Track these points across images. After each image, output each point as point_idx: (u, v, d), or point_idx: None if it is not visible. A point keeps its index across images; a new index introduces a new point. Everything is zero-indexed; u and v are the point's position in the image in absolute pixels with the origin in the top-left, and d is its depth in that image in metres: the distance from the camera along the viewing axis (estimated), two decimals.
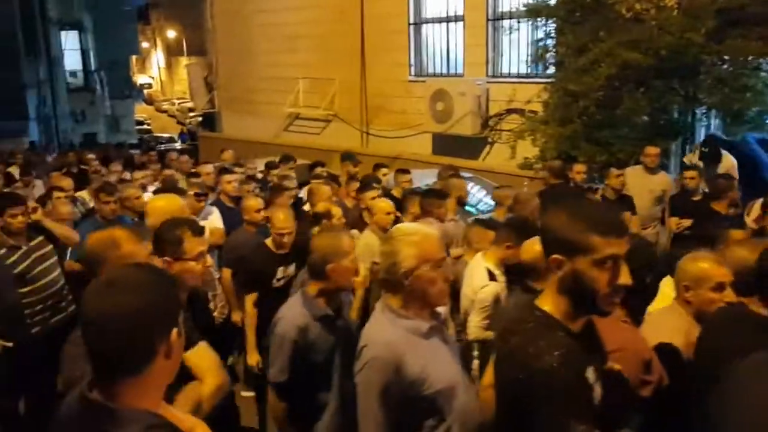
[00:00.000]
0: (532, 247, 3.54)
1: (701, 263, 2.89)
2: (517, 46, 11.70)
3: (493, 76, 12.17)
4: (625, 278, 1.84)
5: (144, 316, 1.52)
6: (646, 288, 3.17)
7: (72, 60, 33.39)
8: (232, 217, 6.03)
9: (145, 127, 39.68)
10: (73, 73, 34.00)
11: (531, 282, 3.58)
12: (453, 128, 11.94)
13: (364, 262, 4.06)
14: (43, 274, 4.90)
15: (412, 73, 13.72)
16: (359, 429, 2.42)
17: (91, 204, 6.95)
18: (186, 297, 2.76)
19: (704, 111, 9.32)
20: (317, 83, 15.36)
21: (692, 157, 8.20)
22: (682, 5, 8.74)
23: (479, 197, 8.32)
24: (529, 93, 11.01)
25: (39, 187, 9.00)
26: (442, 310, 2.66)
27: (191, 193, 6.15)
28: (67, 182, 7.25)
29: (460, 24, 12.70)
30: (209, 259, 2.98)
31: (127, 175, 9.59)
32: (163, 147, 26.18)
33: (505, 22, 11.71)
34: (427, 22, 13.49)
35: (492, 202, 7.82)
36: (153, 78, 63.01)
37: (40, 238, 5.01)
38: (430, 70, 13.62)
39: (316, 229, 4.54)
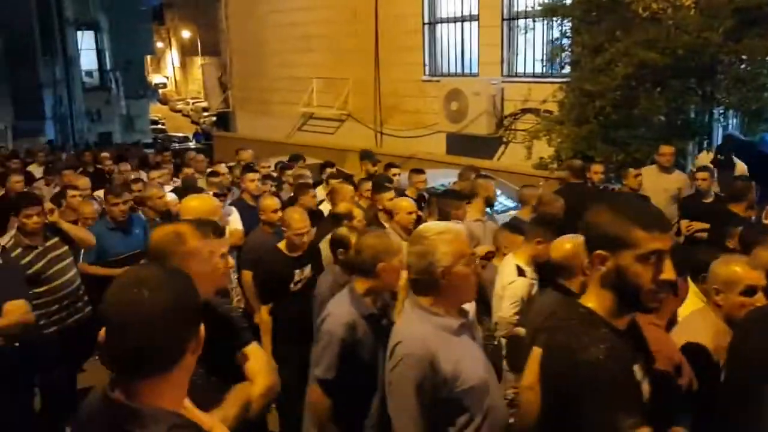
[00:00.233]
0: (562, 246, 3.54)
1: (733, 266, 2.86)
2: (533, 46, 11.64)
3: (508, 76, 12.12)
4: (669, 274, 1.81)
5: (177, 313, 1.53)
6: None
7: (88, 60, 33.59)
8: (254, 216, 5.99)
9: (160, 126, 39.88)
10: (89, 73, 34.22)
11: (562, 280, 3.55)
12: (467, 128, 11.92)
13: None
14: (58, 274, 4.93)
15: (427, 72, 13.69)
16: (393, 427, 2.41)
17: None
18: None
19: (722, 111, 9.23)
20: (331, 83, 15.38)
21: (705, 158, 8.15)
22: (699, 4, 8.67)
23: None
24: (545, 93, 10.96)
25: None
26: (470, 310, 2.66)
27: (210, 193, 6.18)
28: (83, 181, 7.28)
29: (475, 23, 12.66)
30: (230, 260, 2.98)
31: (142, 175, 9.66)
32: (177, 146, 26.34)
33: (521, 22, 11.64)
34: (441, 21, 13.45)
35: (508, 203, 7.80)
36: (168, 78, 63.38)
37: (56, 238, 5.04)
38: (445, 70, 13.58)
39: (344, 229, 4.44)
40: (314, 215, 5.50)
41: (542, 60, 11.42)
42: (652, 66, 8.41)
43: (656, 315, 2.51)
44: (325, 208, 6.28)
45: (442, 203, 5.36)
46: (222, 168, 8.20)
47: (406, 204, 5.28)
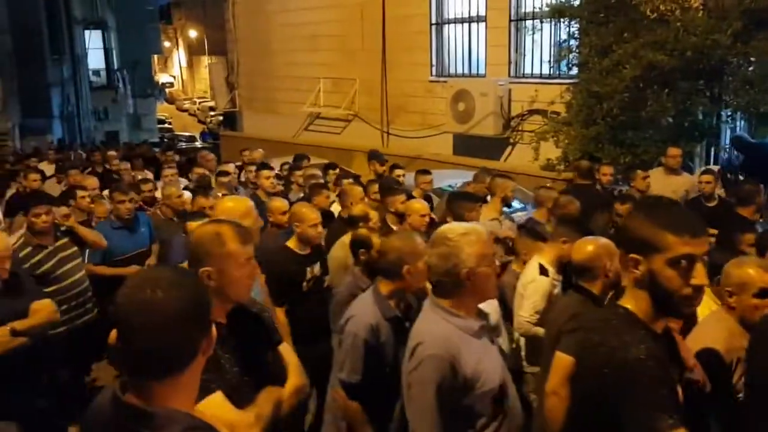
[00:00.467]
0: (584, 247, 3.50)
1: (746, 269, 2.85)
2: (540, 47, 11.63)
3: (516, 77, 12.09)
4: (700, 279, 1.82)
5: (190, 314, 1.53)
6: None
7: (95, 59, 33.62)
8: None
9: (167, 125, 39.96)
10: (97, 72, 34.23)
11: (583, 282, 3.51)
12: (474, 129, 11.90)
13: None
14: (68, 274, 4.95)
15: (434, 73, 13.67)
16: (411, 429, 2.38)
17: None
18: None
19: (730, 113, 9.20)
20: (338, 83, 15.38)
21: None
22: (707, 6, 8.65)
23: None
24: (552, 94, 10.93)
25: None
26: (493, 316, 2.66)
27: (219, 193, 6.19)
28: (91, 181, 7.30)
29: (482, 24, 12.64)
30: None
31: (148, 175, 9.68)
32: (184, 145, 26.39)
33: (528, 23, 11.62)
34: (448, 22, 13.43)
35: (514, 204, 7.76)
36: (174, 77, 63.50)
37: (66, 239, 5.06)
38: (452, 71, 13.56)
39: (364, 230, 4.40)
40: (326, 216, 5.42)
41: (549, 61, 11.40)
42: (660, 67, 8.39)
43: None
44: (334, 209, 6.24)
45: (455, 205, 5.24)
46: (230, 167, 8.21)
47: (419, 206, 5.18)
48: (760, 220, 5.79)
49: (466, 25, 13.08)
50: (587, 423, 1.94)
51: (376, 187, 6.62)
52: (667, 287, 1.82)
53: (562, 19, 10.31)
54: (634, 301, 1.92)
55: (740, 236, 4.55)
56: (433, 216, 5.40)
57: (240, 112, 19.64)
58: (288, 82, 16.95)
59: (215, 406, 2.05)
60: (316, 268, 4.67)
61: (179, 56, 61.79)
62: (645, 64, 8.41)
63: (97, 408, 1.64)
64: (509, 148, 12.13)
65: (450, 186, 8.67)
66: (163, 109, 48.58)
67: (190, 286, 1.58)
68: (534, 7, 11.58)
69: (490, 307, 3.20)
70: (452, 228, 2.50)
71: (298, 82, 16.37)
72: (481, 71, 12.82)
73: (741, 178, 7.96)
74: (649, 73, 8.57)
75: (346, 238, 4.86)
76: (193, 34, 55.33)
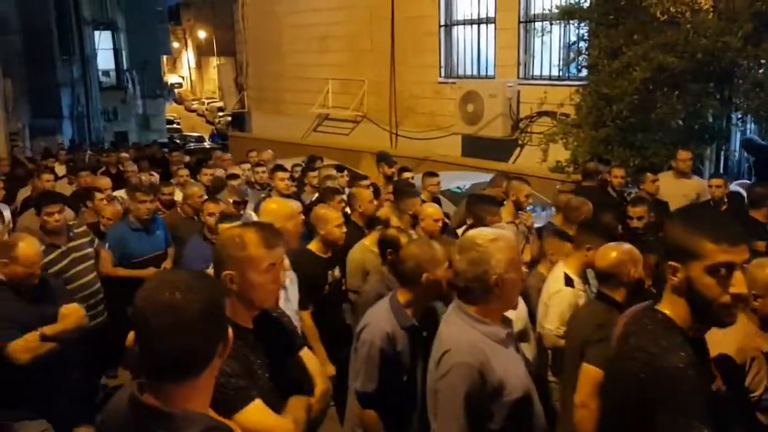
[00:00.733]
0: (608, 254, 3.39)
1: None
2: (549, 49, 11.61)
3: (525, 79, 12.08)
4: (739, 287, 1.80)
5: (209, 316, 1.54)
6: None
7: (105, 59, 33.78)
8: None
9: (175, 126, 40.10)
10: (106, 73, 34.38)
11: (606, 289, 3.39)
12: (483, 130, 11.89)
13: None
14: (80, 275, 4.95)
15: (443, 74, 13.67)
16: None
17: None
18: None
19: (740, 115, 9.16)
20: (347, 84, 15.40)
21: None
22: (718, 8, 8.61)
23: None
24: (561, 96, 10.91)
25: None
26: (520, 322, 2.64)
27: (229, 200, 6.19)
28: (105, 182, 7.32)
29: (492, 26, 12.63)
30: (286, 262, 2.95)
31: (156, 176, 9.70)
32: (193, 146, 26.49)
33: (537, 24, 11.60)
34: (458, 23, 13.43)
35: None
36: (183, 78, 63.70)
37: (80, 240, 5.07)
38: (461, 72, 13.55)
39: (392, 230, 4.35)
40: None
41: (558, 63, 11.39)
42: (670, 70, 8.36)
43: None
44: None
45: (477, 209, 5.10)
46: (246, 167, 8.21)
47: (432, 210, 5.09)
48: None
49: (475, 26, 13.07)
50: (622, 426, 1.93)
51: (390, 188, 6.56)
52: (706, 295, 1.81)
53: (571, 21, 10.29)
54: (671, 307, 1.91)
55: (754, 240, 4.51)
56: (447, 220, 5.33)
57: (249, 113, 19.69)
58: (297, 83, 16.98)
59: (256, 413, 2.05)
60: (337, 271, 4.62)
61: (188, 57, 62.00)
62: (655, 66, 8.38)
63: (114, 409, 1.65)
64: (518, 150, 12.11)
65: (458, 188, 8.66)
66: (171, 110, 48.75)
67: (207, 289, 1.59)
68: (543, 9, 11.56)
69: (518, 313, 3.14)
70: (481, 233, 2.46)
71: (307, 83, 16.40)
72: (490, 73, 12.81)
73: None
74: (659, 76, 8.53)
75: (366, 240, 4.85)
76: (202, 34, 55.49)
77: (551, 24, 11.07)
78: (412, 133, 13.97)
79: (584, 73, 10.34)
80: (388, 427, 3.06)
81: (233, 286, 2.17)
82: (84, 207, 6.39)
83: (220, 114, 37.15)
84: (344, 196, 6.09)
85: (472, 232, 2.52)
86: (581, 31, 10.17)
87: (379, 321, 3.06)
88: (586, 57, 10.03)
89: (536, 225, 6.07)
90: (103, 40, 33.43)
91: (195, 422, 1.51)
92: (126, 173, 9.90)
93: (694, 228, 1.84)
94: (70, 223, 5.25)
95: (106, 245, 5.60)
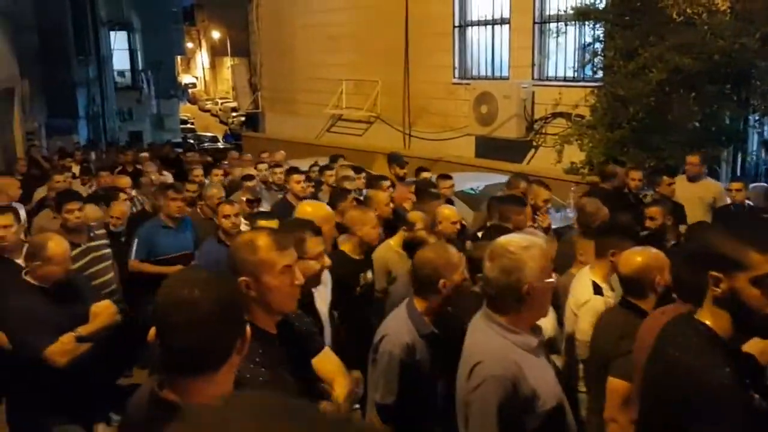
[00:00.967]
0: (633, 259, 3.24)
1: None
2: (564, 50, 11.56)
3: (539, 80, 12.03)
4: None
5: (227, 313, 1.57)
6: None
7: (120, 59, 34.03)
8: None
9: (189, 126, 40.32)
10: (121, 73, 34.62)
11: (632, 298, 3.25)
12: (497, 131, 11.86)
13: None
14: (98, 274, 5.00)
15: (457, 75, 13.65)
16: None
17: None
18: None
19: (757, 117, 9.09)
20: (360, 84, 15.41)
21: None
22: (735, 9, 8.54)
23: None
24: (576, 97, 10.87)
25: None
26: (549, 331, 2.61)
27: (243, 198, 6.20)
28: (125, 181, 7.35)
29: (506, 27, 12.60)
30: (327, 259, 2.92)
31: (168, 176, 9.72)
32: (206, 145, 26.61)
33: (552, 25, 11.56)
34: (472, 24, 13.41)
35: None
36: (197, 78, 64.03)
37: (100, 241, 5.11)
38: (475, 73, 13.52)
39: (421, 231, 4.32)
40: None
41: (574, 64, 11.34)
42: (686, 71, 8.30)
43: None
44: None
45: (504, 208, 5.02)
46: (262, 167, 8.22)
47: (449, 212, 5.04)
48: None
49: (489, 27, 13.03)
50: None
51: (401, 189, 6.57)
52: (751, 306, 1.76)
53: (586, 22, 10.24)
54: (712, 318, 1.85)
55: None
56: (465, 223, 5.30)
57: (262, 113, 19.76)
58: (310, 84, 17.01)
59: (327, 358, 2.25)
60: (369, 274, 4.58)
61: (202, 57, 62.30)
62: (671, 68, 8.33)
63: (135, 404, 1.70)
64: (532, 151, 12.07)
65: (472, 189, 8.63)
66: (185, 110, 49.00)
67: (226, 286, 1.63)
68: (558, 10, 11.51)
69: (547, 321, 3.06)
70: (513, 240, 2.38)
71: (321, 83, 16.42)
72: (505, 74, 12.77)
73: None
74: (675, 77, 8.48)
75: (391, 240, 4.84)
76: (216, 35, 55.76)
77: (566, 25, 11.01)
78: (425, 134, 13.96)
79: (599, 74, 10.29)
80: None
81: (251, 292, 2.14)
82: (105, 206, 6.43)
83: (234, 114, 37.31)
84: (355, 195, 6.08)
85: (503, 239, 2.43)
86: (596, 32, 10.12)
87: (397, 331, 2.99)
88: (602, 58, 9.99)
89: (553, 226, 6.04)
90: (118, 41, 33.65)
91: None
92: (144, 173, 9.94)
93: (739, 237, 1.78)
94: (92, 223, 5.28)
95: (135, 241, 5.66)
